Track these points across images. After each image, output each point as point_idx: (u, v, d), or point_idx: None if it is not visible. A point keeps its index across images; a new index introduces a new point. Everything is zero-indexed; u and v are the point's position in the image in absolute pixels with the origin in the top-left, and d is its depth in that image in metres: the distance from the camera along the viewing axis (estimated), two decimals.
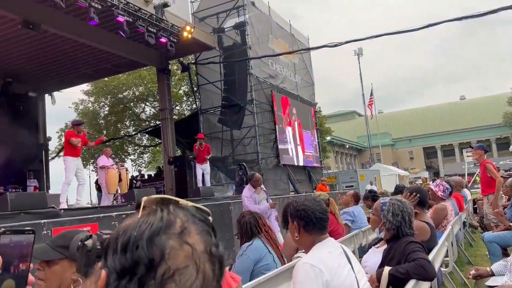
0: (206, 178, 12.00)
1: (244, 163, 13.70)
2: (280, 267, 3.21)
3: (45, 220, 5.18)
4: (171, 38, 11.36)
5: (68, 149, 8.47)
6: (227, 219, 8.81)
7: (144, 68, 18.56)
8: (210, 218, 0.69)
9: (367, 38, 12.51)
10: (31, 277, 0.78)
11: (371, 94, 40.74)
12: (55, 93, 15.70)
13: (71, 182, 8.59)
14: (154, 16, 10.69)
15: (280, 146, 16.49)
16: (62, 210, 6.22)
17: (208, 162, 12.23)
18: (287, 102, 17.73)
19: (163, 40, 11.03)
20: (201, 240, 0.63)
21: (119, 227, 0.65)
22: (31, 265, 0.80)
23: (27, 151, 13.55)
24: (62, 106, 24.33)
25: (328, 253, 2.01)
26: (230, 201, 9.80)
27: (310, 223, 2.07)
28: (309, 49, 19.33)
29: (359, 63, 41.04)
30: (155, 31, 10.68)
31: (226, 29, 16.27)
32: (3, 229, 0.76)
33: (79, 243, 1.18)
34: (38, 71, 13.76)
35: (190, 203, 0.67)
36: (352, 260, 2.09)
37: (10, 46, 11.50)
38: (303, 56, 20.35)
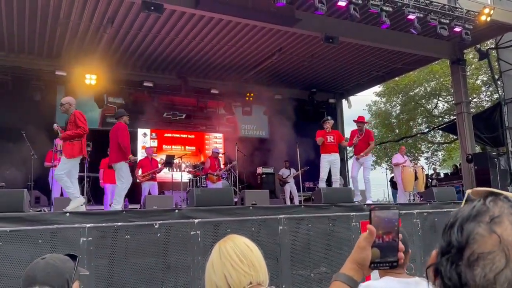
0: (365, 174, 8.86)
1: None
2: None
3: (353, 213, 5.77)
4: (466, 25, 10.50)
5: (320, 147, 8.72)
6: None
7: (436, 62, 17.78)
8: None
9: None
10: (401, 245, 0.95)
11: None
12: (351, 97, 17.10)
13: (323, 178, 8.64)
14: (447, 6, 10.15)
15: None
16: (365, 205, 6.75)
17: (369, 153, 9.11)
18: None
19: (457, 29, 10.34)
20: None
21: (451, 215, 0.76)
22: (400, 235, 0.96)
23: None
24: (357, 109, 26.24)
25: None
26: None
27: None
28: None
29: None
30: (448, 21, 10.14)
31: None
32: (374, 205, 0.95)
33: None
34: (336, 79, 15.36)
35: None
36: None
37: (314, 61, 13.29)
38: None
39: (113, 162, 7.03)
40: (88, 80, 11.90)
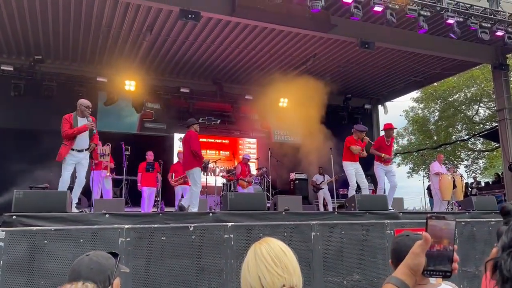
0: (394, 180, 8.68)
1: None
2: None
3: (388, 221, 5.69)
4: (509, 29, 10.16)
5: (348, 154, 8.33)
6: None
7: (477, 67, 17.22)
8: None
9: None
10: (455, 256, 0.97)
11: None
12: (387, 103, 16.80)
13: (355, 186, 8.39)
14: (488, 10, 9.86)
15: None
16: (401, 213, 6.62)
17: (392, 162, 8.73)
18: None
19: (499, 33, 10.02)
20: None
21: None
22: (455, 246, 0.98)
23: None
24: (394, 115, 25.76)
25: None
26: None
27: None
28: None
29: None
30: (489, 25, 9.84)
31: None
32: (430, 214, 0.97)
33: None
34: (372, 84, 15.16)
35: None
36: None
37: (349, 66, 13.20)
38: None
39: (188, 169, 7.30)
40: (128, 86, 12.30)
